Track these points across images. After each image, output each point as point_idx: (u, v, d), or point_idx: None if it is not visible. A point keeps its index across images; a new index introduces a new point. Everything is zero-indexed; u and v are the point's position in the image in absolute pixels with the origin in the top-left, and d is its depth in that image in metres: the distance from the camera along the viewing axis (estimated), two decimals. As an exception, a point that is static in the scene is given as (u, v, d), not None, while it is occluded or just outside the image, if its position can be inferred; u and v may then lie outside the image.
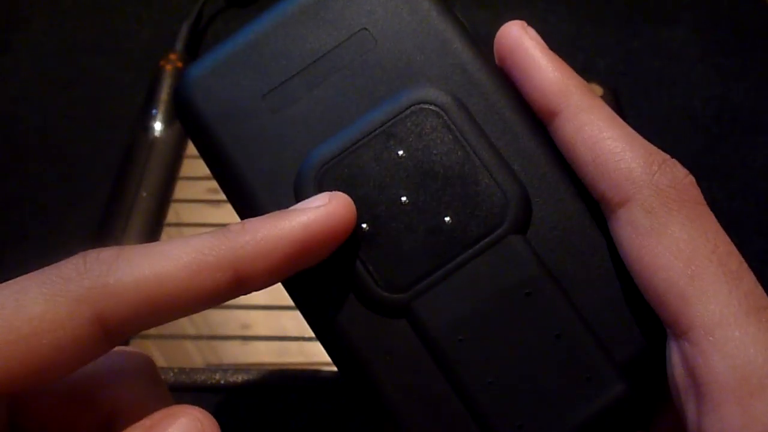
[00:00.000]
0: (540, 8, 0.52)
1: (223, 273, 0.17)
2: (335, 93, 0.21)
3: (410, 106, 0.20)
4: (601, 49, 0.50)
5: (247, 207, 0.21)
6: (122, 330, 0.17)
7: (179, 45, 0.48)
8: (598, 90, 0.46)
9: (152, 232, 0.40)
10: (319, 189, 0.20)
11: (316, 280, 0.20)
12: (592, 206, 0.20)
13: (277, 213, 0.18)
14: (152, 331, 0.37)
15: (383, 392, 0.19)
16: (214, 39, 0.51)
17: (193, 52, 0.49)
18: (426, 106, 0.20)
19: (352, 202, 0.19)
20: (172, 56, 0.47)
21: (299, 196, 0.20)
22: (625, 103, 0.46)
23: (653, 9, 0.52)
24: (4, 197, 0.44)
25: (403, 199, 0.20)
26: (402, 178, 0.20)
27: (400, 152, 0.20)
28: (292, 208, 0.18)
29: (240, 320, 0.37)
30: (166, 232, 0.41)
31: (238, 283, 0.17)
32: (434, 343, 0.19)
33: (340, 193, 0.19)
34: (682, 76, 0.48)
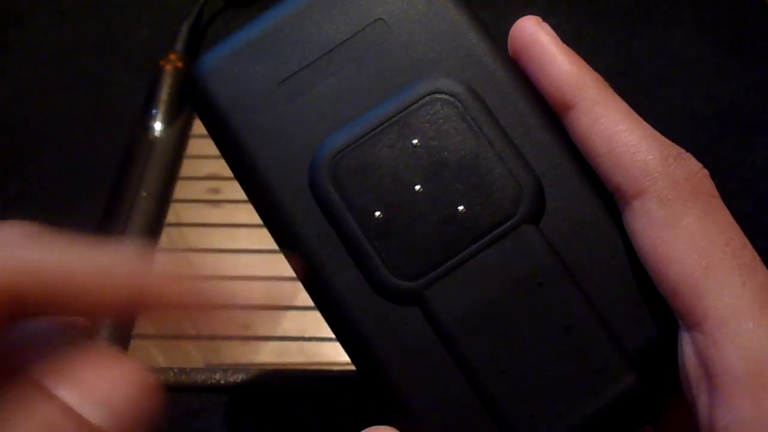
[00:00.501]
0: (540, 8, 0.52)
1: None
2: (350, 82, 0.21)
3: (425, 96, 0.20)
4: (601, 49, 0.50)
5: (262, 195, 0.21)
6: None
7: (179, 45, 0.48)
8: (598, 90, 0.46)
9: (152, 232, 0.40)
10: (334, 177, 0.20)
11: (329, 266, 0.20)
12: (605, 198, 0.20)
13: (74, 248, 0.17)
14: (152, 331, 0.37)
15: (394, 380, 0.19)
16: (214, 39, 0.51)
17: (193, 52, 0.49)
18: (441, 96, 0.20)
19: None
20: (172, 56, 0.47)
21: (314, 183, 0.20)
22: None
23: (653, 9, 0.52)
24: (4, 197, 0.44)
25: (417, 187, 0.20)
26: (416, 167, 0.20)
27: (415, 141, 0.20)
28: None
29: (240, 320, 0.37)
30: (166, 232, 0.41)
31: (18, 304, 0.16)
32: (446, 331, 0.19)
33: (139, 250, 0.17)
34: (682, 76, 0.48)
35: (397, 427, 0.19)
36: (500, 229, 0.20)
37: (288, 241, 0.21)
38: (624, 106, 0.20)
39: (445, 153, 0.20)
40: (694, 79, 0.48)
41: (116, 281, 0.17)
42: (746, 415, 0.16)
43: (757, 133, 0.45)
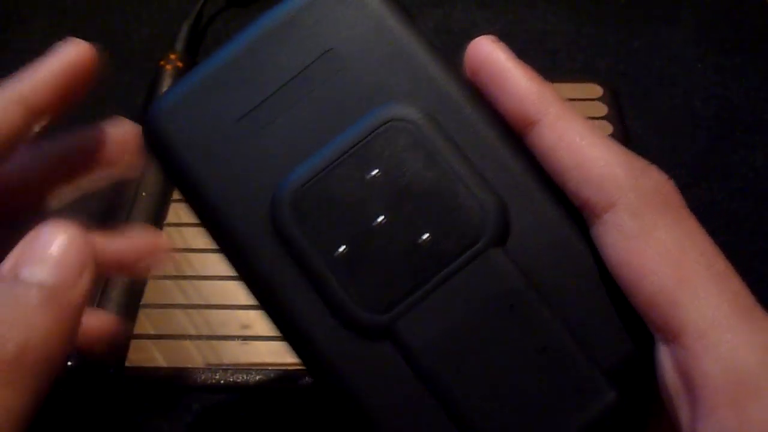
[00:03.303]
0: (540, 8, 0.52)
1: (19, 108, 0.23)
2: (306, 115, 0.21)
3: (382, 124, 0.20)
4: (601, 49, 0.50)
5: (225, 235, 0.20)
6: None
7: (179, 45, 0.48)
8: (598, 90, 0.46)
9: (152, 232, 0.40)
10: (295, 213, 0.20)
11: (296, 305, 0.20)
12: (572, 214, 0.20)
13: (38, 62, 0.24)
14: (152, 331, 0.37)
15: (370, 416, 0.19)
16: (214, 39, 0.51)
17: (193, 52, 0.49)
18: (398, 124, 0.20)
19: (84, 45, 0.24)
20: (172, 56, 0.47)
21: (276, 221, 0.20)
22: (625, 103, 0.46)
23: (653, 9, 0.52)
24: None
25: (380, 218, 0.20)
26: (378, 197, 0.20)
27: (375, 171, 0.20)
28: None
29: (240, 320, 0.37)
30: (166, 232, 0.41)
31: (31, 113, 0.23)
32: (419, 363, 0.19)
33: (74, 40, 0.24)
34: (682, 76, 0.48)
35: None
36: (467, 254, 0.19)
37: (253, 281, 0.20)
38: (585, 120, 0.20)
39: (406, 181, 0.20)
40: (694, 79, 0.48)
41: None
42: (729, 427, 0.16)
43: (757, 133, 0.45)
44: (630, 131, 0.45)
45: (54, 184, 0.24)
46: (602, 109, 0.45)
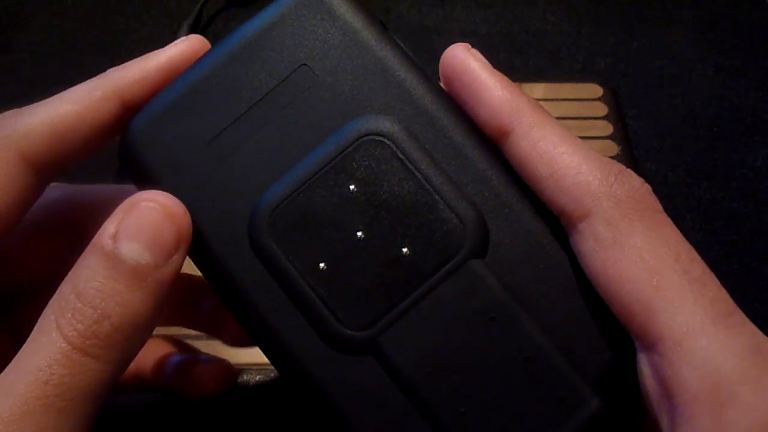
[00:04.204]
0: (540, 8, 0.52)
1: (109, 101, 0.21)
2: (281, 133, 0.20)
3: (357, 139, 0.20)
4: (601, 49, 0.50)
5: (204, 256, 0.20)
6: (44, 162, 0.21)
7: (179, 45, 0.48)
8: (598, 90, 0.46)
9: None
10: (274, 233, 0.20)
11: (278, 324, 0.20)
12: (550, 223, 0.20)
13: (145, 55, 0.23)
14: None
15: (355, 430, 0.19)
16: (214, 39, 0.51)
17: (193, 52, 0.49)
18: (373, 138, 0.20)
19: (203, 39, 0.22)
20: (172, 56, 0.47)
21: (254, 242, 0.20)
22: (625, 103, 0.46)
23: (653, 9, 0.52)
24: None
25: (359, 234, 0.20)
26: (356, 213, 0.20)
27: (352, 187, 0.20)
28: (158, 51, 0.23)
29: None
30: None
31: (125, 107, 0.21)
32: (403, 377, 0.19)
33: (193, 35, 0.22)
34: (682, 76, 0.48)
35: None
36: (446, 267, 0.19)
37: (234, 300, 0.20)
38: (560, 127, 0.20)
39: (384, 196, 0.20)
40: (694, 79, 0.48)
41: (97, 99, 0.21)
42: None
43: (757, 133, 0.45)
44: (630, 131, 0.45)
45: (115, 123, 0.22)
46: (602, 109, 0.45)
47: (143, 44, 0.51)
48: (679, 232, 0.18)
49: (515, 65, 0.48)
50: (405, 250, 0.20)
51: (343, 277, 0.20)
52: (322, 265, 0.20)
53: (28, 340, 0.18)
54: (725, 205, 0.42)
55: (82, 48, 0.51)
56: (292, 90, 0.21)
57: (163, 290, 0.19)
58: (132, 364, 0.19)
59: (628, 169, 0.19)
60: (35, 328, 0.18)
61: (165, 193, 0.19)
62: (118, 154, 0.21)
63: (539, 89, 0.46)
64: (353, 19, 0.21)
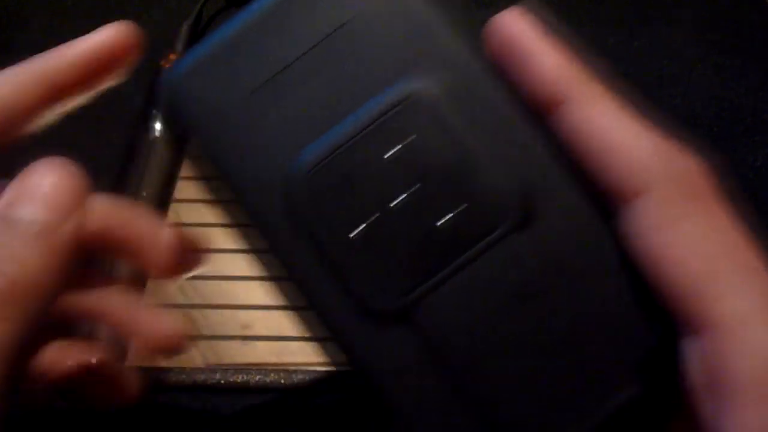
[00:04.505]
0: (540, 8, 0.52)
1: (38, 86, 0.23)
2: (323, 89, 0.20)
3: (401, 102, 0.19)
4: (601, 50, 0.50)
5: (241, 205, 0.20)
6: None
7: (179, 45, 0.48)
8: (598, 90, 0.46)
9: (152, 232, 0.40)
10: (310, 193, 0.19)
11: (312, 288, 0.19)
12: (597, 200, 0.19)
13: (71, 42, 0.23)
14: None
15: (391, 401, 0.19)
16: (214, 39, 0.51)
17: (193, 52, 0.49)
18: (417, 101, 0.19)
19: (131, 28, 0.24)
20: (172, 56, 0.47)
21: (289, 201, 0.19)
22: (625, 103, 0.46)
23: (653, 9, 0.52)
24: (4, 197, 0.44)
25: (399, 200, 0.19)
26: (396, 178, 0.19)
27: (393, 151, 0.19)
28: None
29: (240, 320, 0.37)
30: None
31: (55, 90, 0.23)
32: (438, 349, 0.19)
33: (121, 23, 0.24)
34: (682, 76, 0.48)
35: None
36: (488, 239, 0.19)
37: (272, 253, 0.20)
38: (619, 100, 0.19)
39: (425, 162, 0.19)
40: (694, 79, 0.48)
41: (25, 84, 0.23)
42: (755, 425, 0.16)
43: (757, 133, 0.45)
44: (630, 131, 0.44)
45: (40, 107, 0.24)
46: (602, 109, 0.45)
47: (143, 44, 0.50)
48: (736, 217, 0.18)
49: (515, 65, 0.48)
50: (445, 219, 0.19)
51: (379, 243, 0.19)
52: (358, 229, 0.19)
53: None
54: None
55: (82, 48, 0.51)
56: (336, 47, 0.20)
57: (65, 248, 0.19)
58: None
59: (688, 147, 0.18)
60: None
61: (59, 160, 0.20)
62: (160, 91, 0.22)
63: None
64: None
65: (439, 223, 0.19)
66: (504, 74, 0.20)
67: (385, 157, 0.19)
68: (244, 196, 0.20)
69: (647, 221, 0.17)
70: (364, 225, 0.19)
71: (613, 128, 0.18)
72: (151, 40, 0.54)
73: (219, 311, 0.38)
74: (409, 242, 0.19)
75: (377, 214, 0.19)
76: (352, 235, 0.19)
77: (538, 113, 0.19)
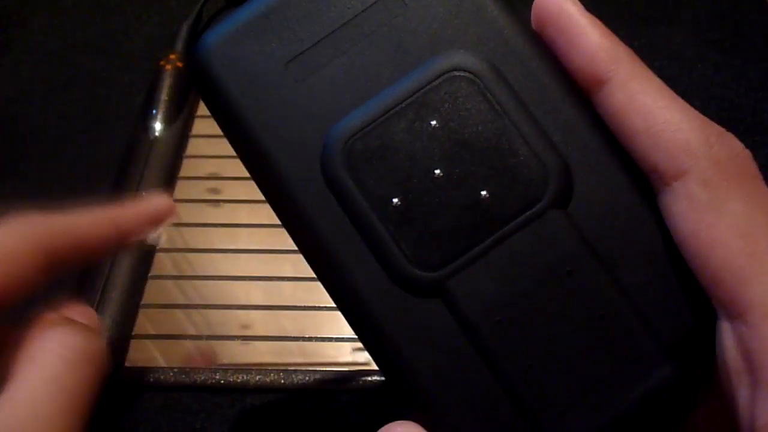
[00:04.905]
0: (540, 8, 0.52)
1: (109, 225, 0.25)
2: (363, 60, 0.19)
3: (443, 74, 0.19)
4: (601, 49, 0.50)
5: (272, 183, 0.20)
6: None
7: (179, 45, 0.48)
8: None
9: (152, 232, 0.40)
10: (348, 162, 0.19)
11: (345, 258, 0.19)
12: (638, 179, 0.19)
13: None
14: (152, 331, 0.37)
15: (416, 375, 0.18)
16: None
17: (193, 52, 0.49)
18: (460, 73, 0.19)
19: (171, 200, 0.25)
20: (172, 56, 0.47)
21: (326, 170, 0.19)
22: (625, 103, 0.46)
23: (653, 9, 0.52)
24: (4, 197, 0.44)
25: (437, 172, 0.19)
26: (435, 149, 0.19)
27: (433, 122, 0.19)
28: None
29: (240, 320, 0.37)
30: (166, 232, 0.41)
31: (120, 232, 0.25)
32: (471, 324, 0.18)
33: (164, 195, 0.25)
34: (682, 76, 0.48)
35: (420, 423, 0.18)
36: (526, 214, 0.19)
37: (301, 232, 0.20)
38: (659, 81, 0.19)
39: (466, 134, 0.19)
40: (694, 79, 0.48)
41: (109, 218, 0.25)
42: None
43: (757, 133, 0.45)
44: (630, 131, 0.44)
45: (107, 243, 0.26)
46: (602, 109, 0.45)
47: (143, 44, 0.51)
48: None
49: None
50: (484, 192, 0.19)
51: (416, 215, 0.19)
52: (395, 200, 0.19)
53: None
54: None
55: (82, 48, 0.51)
56: (378, 17, 0.20)
57: None
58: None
59: (730, 133, 0.18)
60: None
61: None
62: (188, 66, 0.21)
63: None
64: None
65: (477, 197, 0.19)
66: (548, 50, 0.20)
67: (425, 128, 0.19)
68: (277, 166, 0.19)
69: (690, 201, 0.17)
70: (402, 195, 0.19)
71: (658, 107, 0.18)
72: (151, 40, 0.55)
73: (219, 311, 0.38)
74: (447, 214, 0.19)
75: (416, 185, 0.19)
76: (387, 205, 0.19)
77: (582, 90, 0.19)
